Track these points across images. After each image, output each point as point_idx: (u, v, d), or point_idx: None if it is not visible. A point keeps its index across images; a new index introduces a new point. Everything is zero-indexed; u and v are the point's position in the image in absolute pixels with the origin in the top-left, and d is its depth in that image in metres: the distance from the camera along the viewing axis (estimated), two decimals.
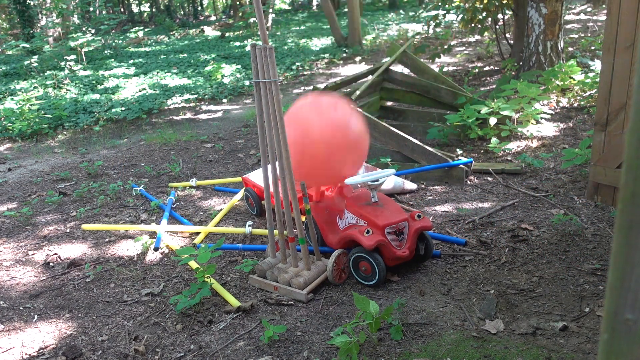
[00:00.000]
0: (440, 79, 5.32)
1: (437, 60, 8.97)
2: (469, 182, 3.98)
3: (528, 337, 2.21)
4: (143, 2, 31.64)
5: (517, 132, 4.83)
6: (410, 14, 18.53)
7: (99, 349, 2.40)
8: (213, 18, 28.61)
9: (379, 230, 2.66)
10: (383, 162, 4.17)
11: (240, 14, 18.74)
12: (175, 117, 7.48)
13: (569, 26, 11.27)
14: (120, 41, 16.11)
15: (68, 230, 3.79)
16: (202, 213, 3.92)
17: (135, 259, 3.28)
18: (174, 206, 4.07)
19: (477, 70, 8.24)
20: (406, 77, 5.39)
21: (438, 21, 9.15)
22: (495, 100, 4.86)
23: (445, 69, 8.50)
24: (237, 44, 14.80)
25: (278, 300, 2.65)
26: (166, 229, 3.57)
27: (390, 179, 3.82)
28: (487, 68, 8.46)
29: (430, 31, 11.10)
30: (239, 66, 10.71)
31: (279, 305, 2.62)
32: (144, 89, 9.16)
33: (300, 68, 10.68)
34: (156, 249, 3.28)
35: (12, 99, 8.74)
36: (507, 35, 8.55)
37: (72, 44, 11.63)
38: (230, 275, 2.98)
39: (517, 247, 2.96)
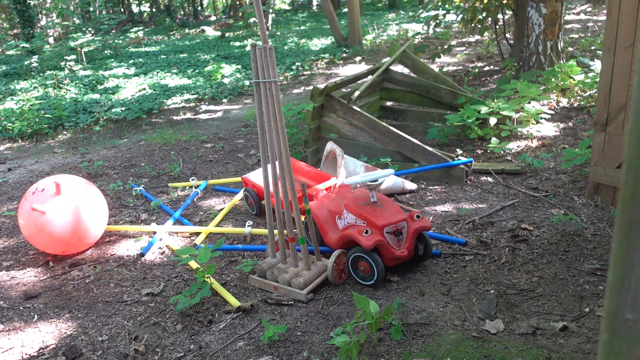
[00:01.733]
0: (440, 79, 5.32)
1: (437, 60, 8.97)
2: (469, 182, 3.98)
3: (528, 337, 2.21)
4: (143, 2, 31.64)
5: (517, 132, 4.83)
6: (410, 14, 18.53)
7: (99, 349, 2.40)
8: (213, 18, 28.61)
9: (378, 231, 2.66)
10: (383, 162, 4.17)
11: (240, 14, 18.75)
12: (175, 117, 7.48)
13: (569, 26, 11.27)
14: (120, 41, 16.12)
15: None
16: (202, 213, 3.92)
17: (135, 259, 3.28)
18: (175, 206, 4.07)
19: (477, 70, 8.24)
20: (406, 77, 5.39)
21: (438, 21, 9.15)
22: (495, 100, 4.86)
23: (445, 69, 8.50)
24: (237, 44, 14.80)
25: (278, 300, 2.65)
26: (166, 229, 3.57)
27: (390, 179, 3.82)
28: (487, 68, 8.46)
29: (430, 31, 11.10)
30: (239, 66, 10.71)
31: (279, 305, 2.62)
32: (144, 89, 9.16)
33: (300, 68, 10.68)
34: (142, 255, 3.28)
35: (12, 99, 8.74)
36: (507, 35, 8.55)
37: (72, 44, 11.63)
38: (230, 275, 2.98)
39: (517, 247, 2.96)
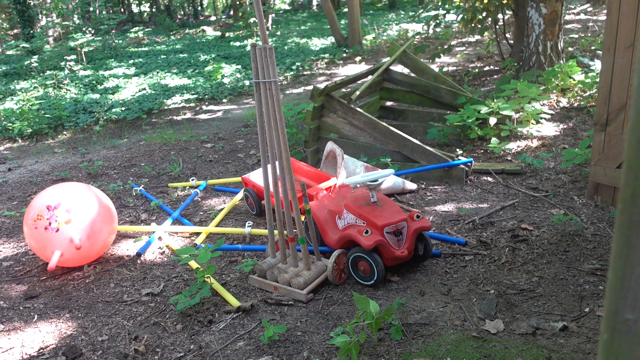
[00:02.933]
0: (440, 79, 5.32)
1: (437, 60, 8.96)
2: (469, 182, 3.98)
3: (528, 337, 2.21)
4: (143, 2, 31.63)
5: (517, 132, 4.83)
6: (410, 14, 18.53)
7: (99, 349, 2.40)
8: (213, 18, 28.61)
9: (378, 231, 2.66)
10: (383, 162, 4.17)
11: (240, 14, 18.75)
12: (175, 117, 7.48)
13: (569, 26, 11.27)
14: (120, 41, 16.12)
15: None
16: (202, 213, 3.92)
17: (135, 259, 3.27)
18: (175, 206, 4.07)
19: (477, 70, 8.24)
20: (406, 77, 5.39)
21: (438, 21, 9.15)
22: (495, 100, 4.86)
23: (445, 69, 8.50)
24: (237, 44, 14.80)
25: (278, 300, 2.65)
26: (167, 229, 3.57)
27: (390, 179, 3.82)
28: (487, 68, 8.46)
29: (430, 31, 11.10)
30: (239, 66, 10.71)
31: (279, 305, 2.62)
32: (144, 89, 9.16)
33: (300, 68, 10.68)
34: (139, 255, 3.28)
35: (12, 99, 8.74)
36: (507, 35, 8.55)
37: (72, 44, 11.63)
38: (230, 275, 2.98)
39: (517, 247, 2.96)
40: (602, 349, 0.67)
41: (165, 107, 8.13)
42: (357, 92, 4.88)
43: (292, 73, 10.25)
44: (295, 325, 2.45)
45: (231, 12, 25.06)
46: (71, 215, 2.97)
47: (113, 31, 15.51)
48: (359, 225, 2.77)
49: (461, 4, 8.59)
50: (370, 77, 5.23)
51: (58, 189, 3.11)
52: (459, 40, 12.18)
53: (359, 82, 5.43)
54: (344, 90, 5.34)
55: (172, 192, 4.39)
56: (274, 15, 20.41)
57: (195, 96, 8.60)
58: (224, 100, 8.46)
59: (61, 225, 2.95)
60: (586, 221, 3.19)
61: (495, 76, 7.69)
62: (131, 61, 12.37)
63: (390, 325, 2.33)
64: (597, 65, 6.38)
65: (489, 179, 4.01)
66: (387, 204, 2.84)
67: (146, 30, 20.79)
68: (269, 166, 2.72)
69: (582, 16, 13.23)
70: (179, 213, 3.81)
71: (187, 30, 19.88)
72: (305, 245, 2.75)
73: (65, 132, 7.12)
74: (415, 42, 11.25)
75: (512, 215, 3.37)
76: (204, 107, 8.04)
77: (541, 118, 4.99)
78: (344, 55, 11.74)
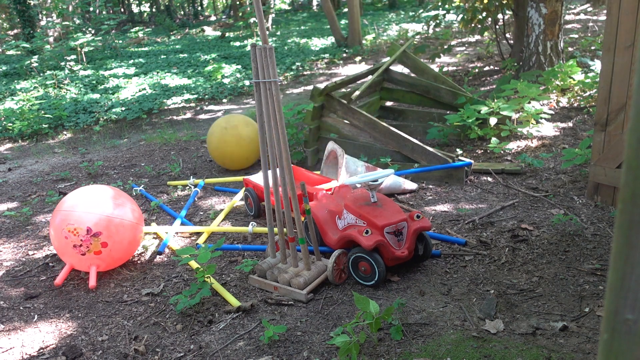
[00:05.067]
0: (440, 79, 5.32)
1: (437, 60, 8.97)
2: (469, 182, 3.98)
3: (528, 337, 2.21)
4: (143, 2, 31.63)
5: (517, 132, 4.83)
6: (410, 14, 18.53)
7: (99, 349, 2.40)
8: (213, 18, 28.61)
9: (378, 231, 2.66)
10: (383, 162, 4.17)
11: (240, 14, 18.75)
12: (175, 117, 7.48)
13: (569, 26, 11.27)
14: (121, 41, 16.12)
15: None
16: (202, 213, 3.92)
17: (135, 259, 3.28)
18: (176, 206, 4.07)
19: (477, 70, 8.24)
20: (406, 77, 5.39)
21: (438, 21, 9.15)
22: (495, 100, 4.86)
23: (445, 69, 8.50)
24: (237, 44, 14.80)
25: (278, 300, 2.65)
26: (175, 229, 3.56)
27: (389, 179, 3.82)
28: (487, 68, 8.46)
29: (430, 31, 11.11)
30: (239, 66, 10.71)
31: (279, 305, 2.62)
32: (144, 89, 9.16)
33: (300, 68, 10.68)
34: (159, 253, 3.28)
35: (12, 99, 8.74)
36: (507, 35, 8.55)
37: (72, 44, 11.64)
38: (230, 275, 2.98)
39: (517, 247, 2.96)
40: (602, 349, 0.67)
41: (165, 107, 8.13)
42: (357, 92, 4.89)
43: (292, 73, 10.25)
44: (295, 325, 2.45)
45: (231, 12, 25.06)
46: (104, 250, 2.91)
47: (113, 31, 15.52)
48: (359, 226, 2.77)
49: (461, 4, 8.59)
50: (370, 77, 5.23)
51: (106, 209, 2.93)
52: (459, 40, 12.18)
53: (359, 82, 5.43)
54: (344, 90, 5.34)
55: (172, 192, 4.39)
56: (274, 15, 20.42)
57: (196, 96, 8.60)
58: (224, 100, 8.46)
59: (90, 253, 2.89)
60: (586, 221, 3.19)
61: (495, 76, 7.69)
62: (131, 61, 12.37)
63: (390, 325, 2.33)
64: (597, 65, 6.38)
65: (489, 179, 4.01)
66: (387, 204, 2.84)
67: (146, 30, 20.79)
68: (269, 166, 2.72)
69: (582, 16, 13.23)
70: (184, 213, 3.80)
71: (187, 30, 19.88)
72: (305, 245, 2.75)
73: (65, 132, 7.12)
74: (415, 42, 11.26)
75: (512, 215, 3.37)
76: (204, 107, 8.04)
77: (541, 118, 4.98)
78: (344, 55, 11.73)
